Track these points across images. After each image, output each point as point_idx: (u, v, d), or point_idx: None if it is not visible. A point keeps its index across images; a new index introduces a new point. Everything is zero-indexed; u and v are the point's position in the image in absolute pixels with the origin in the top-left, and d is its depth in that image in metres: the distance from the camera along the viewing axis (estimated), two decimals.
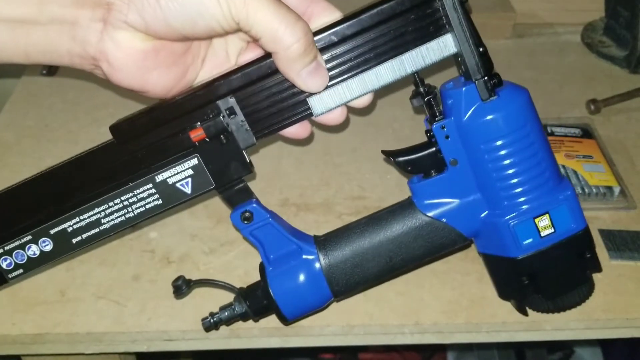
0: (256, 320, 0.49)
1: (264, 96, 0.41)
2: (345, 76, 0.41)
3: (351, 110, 0.44)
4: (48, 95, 0.76)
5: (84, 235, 0.42)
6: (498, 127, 0.42)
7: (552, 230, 0.44)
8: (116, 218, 0.43)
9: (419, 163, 0.45)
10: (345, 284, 0.46)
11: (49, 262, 0.42)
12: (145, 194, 0.42)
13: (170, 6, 0.37)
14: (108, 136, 0.42)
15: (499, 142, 0.42)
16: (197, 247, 0.56)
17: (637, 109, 0.74)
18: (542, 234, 0.44)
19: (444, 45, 0.42)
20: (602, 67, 0.83)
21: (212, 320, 0.47)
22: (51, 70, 0.79)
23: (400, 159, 0.45)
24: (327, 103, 0.42)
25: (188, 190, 0.43)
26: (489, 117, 0.42)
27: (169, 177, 0.42)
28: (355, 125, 0.71)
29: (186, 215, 0.59)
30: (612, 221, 0.58)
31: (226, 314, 0.47)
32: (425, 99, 0.44)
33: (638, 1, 0.79)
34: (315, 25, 0.42)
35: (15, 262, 0.42)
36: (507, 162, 0.42)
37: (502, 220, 0.44)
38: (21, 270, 0.42)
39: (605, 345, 1.03)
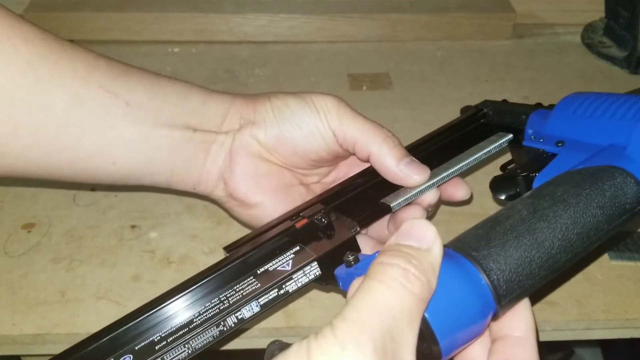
0: None
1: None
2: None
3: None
4: None
5: (170, 339, 0.38)
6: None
7: None
8: (209, 312, 0.39)
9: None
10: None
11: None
12: (244, 285, 0.40)
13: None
14: None
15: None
16: (197, 248, 0.56)
17: None
18: None
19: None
20: (602, 67, 0.83)
21: None
22: None
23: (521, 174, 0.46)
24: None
25: (288, 267, 0.42)
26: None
27: (271, 266, 0.42)
28: None
29: (186, 215, 0.59)
30: None
31: None
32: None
33: (638, 1, 0.79)
34: None
35: None
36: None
37: None
38: None
39: (605, 345, 1.03)
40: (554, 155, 0.45)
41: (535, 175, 0.43)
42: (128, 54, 0.82)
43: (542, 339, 0.51)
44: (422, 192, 0.47)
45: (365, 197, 0.48)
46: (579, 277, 0.53)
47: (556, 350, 1.05)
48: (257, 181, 0.48)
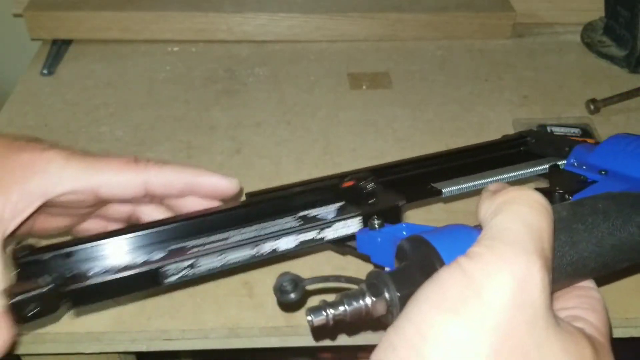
0: (387, 320, 0.33)
1: None
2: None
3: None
4: (48, 95, 0.76)
5: (205, 247, 0.41)
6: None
7: None
8: (246, 234, 0.42)
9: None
10: None
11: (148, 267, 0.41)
12: (284, 221, 0.43)
13: None
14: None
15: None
16: None
17: (636, 109, 0.74)
18: None
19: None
20: (602, 66, 0.83)
21: (329, 314, 0.32)
22: (51, 70, 0.79)
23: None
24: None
25: (328, 217, 0.44)
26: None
27: (312, 213, 0.44)
28: (355, 125, 0.71)
29: None
30: None
31: (355, 304, 0.32)
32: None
33: (638, 1, 0.79)
34: None
35: (110, 269, 0.40)
36: None
37: None
38: (111, 274, 0.40)
39: None
40: (594, 182, 0.46)
41: (572, 194, 0.45)
42: (127, 54, 0.82)
43: None
44: (475, 187, 0.49)
45: (415, 179, 0.50)
46: None
47: None
48: None
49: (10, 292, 0.36)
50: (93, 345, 0.50)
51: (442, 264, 0.31)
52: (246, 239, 0.41)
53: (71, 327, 0.49)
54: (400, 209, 0.44)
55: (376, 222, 0.40)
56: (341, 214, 0.44)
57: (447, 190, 0.48)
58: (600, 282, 0.53)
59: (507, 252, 0.28)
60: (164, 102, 0.74)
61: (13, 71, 0.93)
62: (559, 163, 0.51)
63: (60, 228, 0.43)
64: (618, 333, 0.51)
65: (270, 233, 0.42)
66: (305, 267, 0.52)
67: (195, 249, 0.40)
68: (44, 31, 0.83)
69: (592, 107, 0.72)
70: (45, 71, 0.79)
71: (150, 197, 0.44)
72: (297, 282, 0.35)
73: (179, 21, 0.83)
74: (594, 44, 0.85)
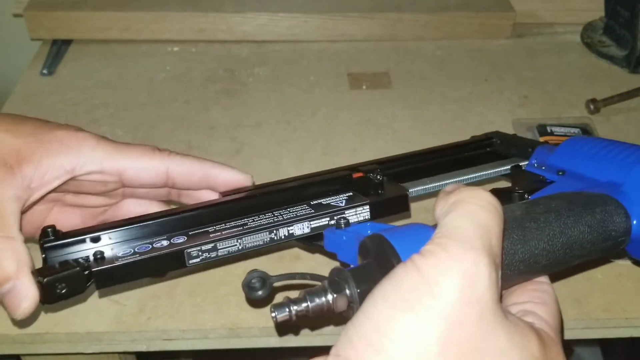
0: (349, 315, 0.34)
1: None
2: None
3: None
4: (48, 95, 0.76)
5: (224, 232, 0.43)
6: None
7: None
8: (262, 220, 0.44)
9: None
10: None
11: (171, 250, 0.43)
12: (297, 209, 0.46)
13: None
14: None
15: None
16: None
17: (636, 109, 0.74)
18: None
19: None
20: (602, 66, 0.83)
21: (292, 310, 0.34)
22: (51, 70, 0.79)
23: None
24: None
25: (342, 204, 0.46)
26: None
27: (325, 201, 0.47)
28: (355, 125, 0.71)
29: None
30: None
31: (317, 300, 0.34)
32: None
33: (638, 1, 0.79)
34: None
35: (134, 251, 0.42)
36: None
37: None
38: (137, 257, 0.41)
39: (604, 344, 1.03)
40: (552, 182, 0.48)
41: (531, 193, 0.46)
42: (127, 54, 0.82)
43: None
44: (440, 187, 0.50)
45: (419, 171, 0.52)
46: (578, 276, 0.53)
47: None
48: None
49: (40, 273, 0.38)
50: (93, 345, 0.50)
51: (399, 261, 0.32)
52: (263, 225, 0.43)
53: (71, 327, 0.49)
54: (408, 198, 0.47)
55: (342, 221, 0.42)
56: (351, 203, 0.46)
57: (413, 190, 0.49)
58: (600, 281, 0.53)
59: (457, 249, 0.29)
60: (164, 102, 0.74)
61: (13, 71, 0.93)
62: (521, 164, 0.52)
63: (69, 227, 0.44)
64: (618, 333, 0.51)
65: (286, 219, 0.44)
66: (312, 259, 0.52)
67: (217, 234, 0.43)
68: (44, 31, 0.83)
69: (592, 107, 0.72)
70: (45, 71, 0.79)
71: (167, 190, 0.47)
72: (265, 279, 0.36)
73: (179, 21, 0.83)
74: (594, 44, 0.85)
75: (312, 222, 0.44)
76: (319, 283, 0.35)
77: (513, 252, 0.35)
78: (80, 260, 0.40)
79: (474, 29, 0.86)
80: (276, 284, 0.37)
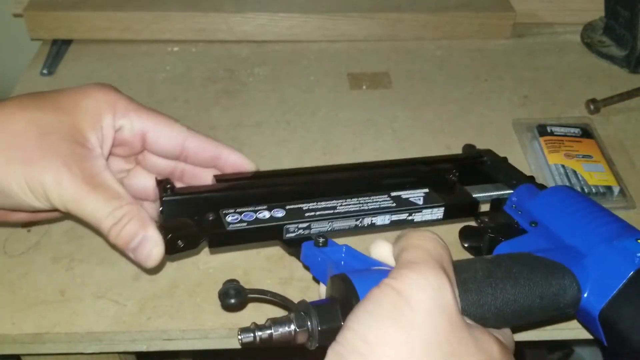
0: (312, 347, 0.38)
1: None
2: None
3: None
4: None
5: (317, 213, 0.48)
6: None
7: None
8: (350, 206, 0.49)
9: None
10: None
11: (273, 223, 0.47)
12: (380, 199, 0.50)
13: None
14: None
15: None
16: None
17: (636, 109, 0.74)
18: None
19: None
20: (602, 66, 0.83)
21: (257, 336, 0.37)
22: (51, 70, 0.79)
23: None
24: None
25: (420, 202, 0.50)
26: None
27: (404, 195, 0.51)
28: (355, 125, 0.71)
29: None
30: None
31: (281, 330, 0.37)
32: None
33: (638, 1, 0.79)
34: None
35: (241, 219, 0.47)
36: None
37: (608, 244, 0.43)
38: (245, 225, 0.47)
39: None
40: (524, 231, 0.49)
41: (501, 241, 0.48)
42: (127, 54, 0.82)
43: (541, 338, 0.51)
44: None
45: (482, 176, 0.56)
46: None
47: (556, 349, 1.05)
48: None
49: (164, 228, 0.44)
50: (93, 345, 0.50)
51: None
52: (351, 212, 0.48)
53: (71, 327, 0.49)
54: (479, 205, 0.52)
55: (320, 240, 0.44)
56: (428, 201, 0.50)
57: (477, 196, 0.52)
58: None
59: (423, 268, 0.34)
60: (164, 102, 0.74)
61: (13, 71, 0.93)
62: (501, 196, 0.53)
63: None
64: None
65: (371, 209, 0.49)
66: None
67: (310, 213, 0.48)
68: (44, 31, 0.83)
69: (592, 107, 0.72)
70: (45, 71, 0.79)
71: (173, 167, 0.50)
72: (239, 290, 0.41)
73: (179, 21, 0.83)
74: (594, 44, 0.85)
75: (392, 216, 0.49)
76: (284, 309, 0.39)
77: (467, 313, 0.38)
78: (197, 219, 0.46)
79: (474, 29, 0.86)
80: (250, 296, 0.41)
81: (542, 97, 0.77)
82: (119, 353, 0.52)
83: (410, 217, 0.50)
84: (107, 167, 0.44)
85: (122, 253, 0.45)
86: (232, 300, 0.40)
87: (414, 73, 0.81)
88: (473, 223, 0.54)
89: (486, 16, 0.86)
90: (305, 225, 0.47)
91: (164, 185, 0.47)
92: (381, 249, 0.40)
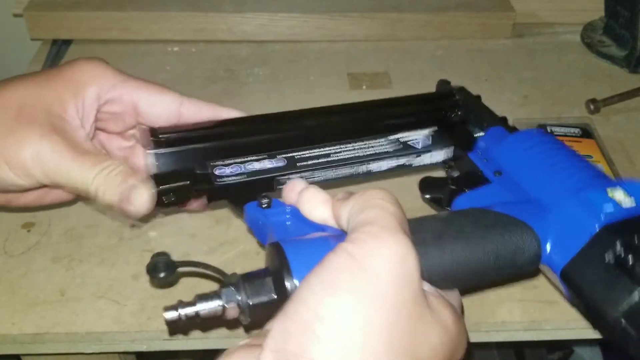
0: (245, 322, 0.36)
1: None
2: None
3: None
4: None
5: (310, 162, 0.47)
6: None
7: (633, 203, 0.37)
8: (344, 153, 0.47)
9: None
10: None
11: (264, 175, 0.46)
12: (376, 144, 0.48)
13: None
14: None
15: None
16: (197, 247, 0.56)
17: (636, 109, 0.74)
18: (623, 205, 0.37)
19: None
20: (602, 66, 0.83)
21: (181, 313, 0.35)
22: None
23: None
24: None
25: (418, 146, 0.48)
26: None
27: (403, 138, 0.49)
28: None
29: (185, 215, 0.59)
30: None
31: (208, 306, 0.35)
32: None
33: (638, 1, 0.79)
34: None
35: (231, 172, 0.46)
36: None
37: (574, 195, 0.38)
38: (236, 178, 0.45)
39: (604, 345, 1.03)
40: (487, 180, 0.45)
41: (462, 191, 0.45)
42: (127, 54, 0.82)
43: (541, 338, 0.51)
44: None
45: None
46: None
47: (556, 349, 1.05)
48: None
49: (155, 180, 0.42)
50: (93, 345, 0.50)
51: (290, 280, 0.33)
52: (345, 159, 0.47)
53: (71, 327, 0.49)
54: (476, 140, 0.49)
55: (264, 200, 0.41)
56: (429, 143, 0.48)
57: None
58: None
59: (383, 234, 0.30)
60: None
61: (13, 71, 0.92)
62: (470, 142, 0.49)
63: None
64: None
65: (367, 156, 0.47)
66: None
67: (303, 163, 0.46)
68: (44, 31, 0.83)
69: (592, 107, 0.72)
70: None
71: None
72: (169, 264, 0.36)
73: (179, 21, 0.83)
74: (594, 44, 0.85)
75: (390, 161, 0.48)
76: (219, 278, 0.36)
77: None
78: (187, 174, 0.44)
79: (474, 29, 0.86)
80: (181, 270, 0.37)
81: (542, 97, 0.77)
82: (119, 353, 0.52)
83: (409, 162, 0.48)
84: (88, 138, 0.43)
85: (116, 215, 0.45)
86: (162, 274, 0.36)
87: (413, 73, 0.81)
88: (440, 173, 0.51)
89: (486, 16, 0.86)
90: (297, 176, 0.45)
91: (155, 135, 0.45)
92: (322, 213, 0.36)
